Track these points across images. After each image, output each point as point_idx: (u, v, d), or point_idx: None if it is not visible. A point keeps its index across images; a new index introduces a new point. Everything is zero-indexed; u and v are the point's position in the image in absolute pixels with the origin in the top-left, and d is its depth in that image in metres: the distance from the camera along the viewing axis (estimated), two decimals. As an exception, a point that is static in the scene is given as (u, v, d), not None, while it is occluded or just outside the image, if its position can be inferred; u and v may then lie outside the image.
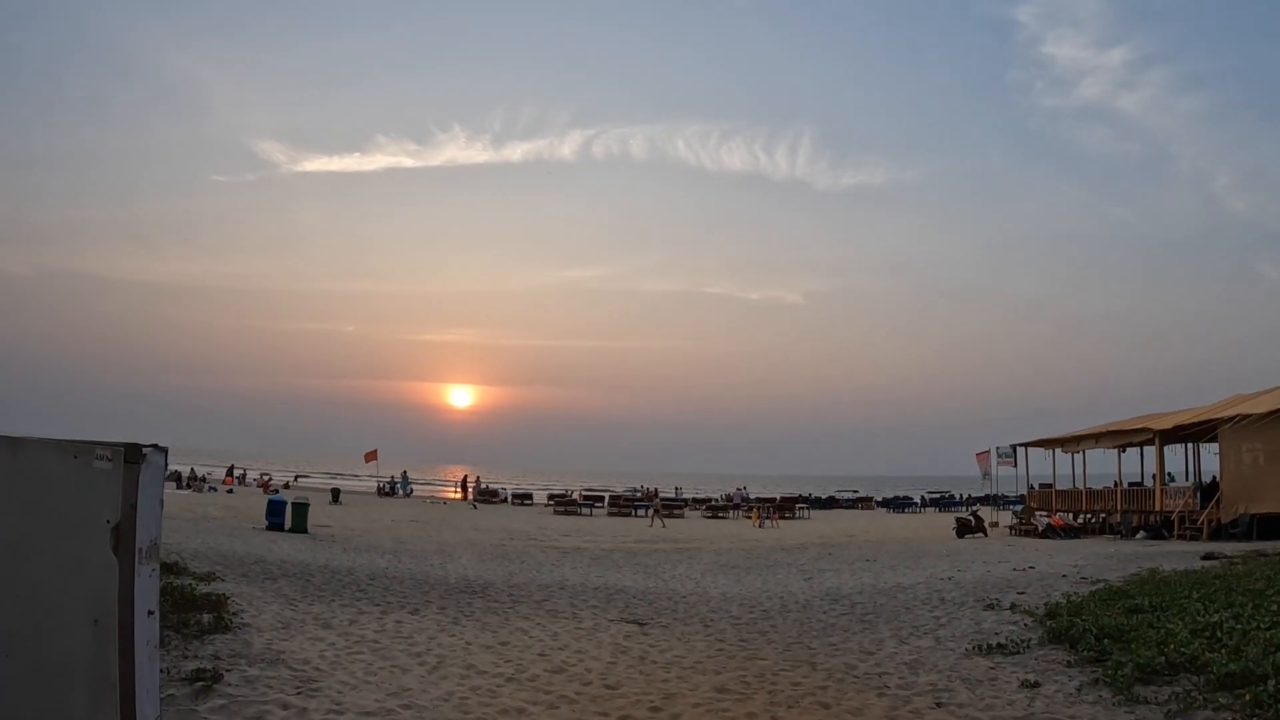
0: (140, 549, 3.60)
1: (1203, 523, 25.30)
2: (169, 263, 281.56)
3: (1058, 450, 34.74)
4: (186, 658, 7.89)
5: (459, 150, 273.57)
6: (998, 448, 38.51)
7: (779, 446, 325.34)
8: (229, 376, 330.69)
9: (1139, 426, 30.04)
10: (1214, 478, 27.39)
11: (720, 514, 49.13)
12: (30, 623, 3.65)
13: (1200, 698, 7.18)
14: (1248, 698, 6.91)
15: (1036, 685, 8.27)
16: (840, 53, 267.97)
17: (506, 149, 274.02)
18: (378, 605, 12.71)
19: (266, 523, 25.82)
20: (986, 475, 39.48)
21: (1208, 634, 8.97)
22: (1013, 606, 12.83)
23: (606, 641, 11.07)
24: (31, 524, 3.68)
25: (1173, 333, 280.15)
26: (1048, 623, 11.08)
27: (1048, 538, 28.14)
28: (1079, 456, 33.62)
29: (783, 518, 46.42)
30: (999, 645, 10.12)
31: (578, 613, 13.30)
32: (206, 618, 9.63)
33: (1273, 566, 14.56)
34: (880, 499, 62.91)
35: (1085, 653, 9.11)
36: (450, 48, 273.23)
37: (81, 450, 3.61)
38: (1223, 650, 8.24)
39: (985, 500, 48.69)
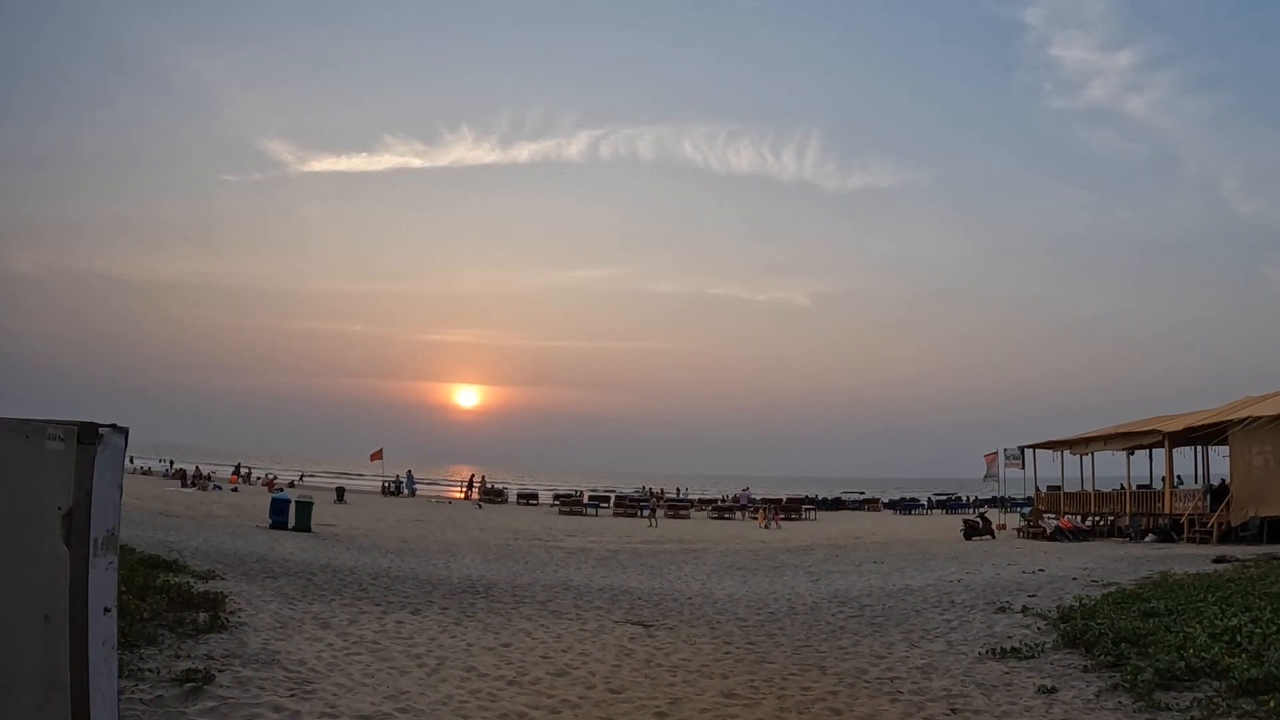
0: (96, 539, 3.27)
1: (1212, 526, 25.05)
2: (176, 262, 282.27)
3: (1066, 452, 34.46)
4: (179, 657, 7.66)
5: (466, 150, 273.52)
6: (1005, 449, 38.22)
7: (785, 447, 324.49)
8: (236, 375, 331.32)
9: (1148, 428, 29.75)
10: (1223, 480, 27.18)
11: (726, 515, 49.01)
12: (-33, 620, 3.33)
13: (1223, 704, 6.98)
14: (1271, 704, 6.75)
15: (1053, 691, 8.04)
16: (848, 54, 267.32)
17: (514, 149, 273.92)
18: (379, 605, 12.52)
19: (270, 521, 25.72)
20: (993, 476, 39.13)
21: (1227, 638, 8.75)
22: (1024, 610, 12.62)
23: (611, 644, 10.86)
24: (-28, 510, 3.34)
25: (1180, 335, 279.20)
26: (1061, 626, 10.89)
27: (1056, 540, 27.90)
28: (1087, 458, 33.35)
29: (789, 519, 46.25)
30: (1013, 649, 9.89)
31: (582, 614, 13.10)
32: (202, 616, 9.43)
33: (1289, 570, 14.32)
34: (886, 500, 62.58)
35: (1102, 657, 8.89)
36: (458, 48, 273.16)
37: (33, 430, 3.31)
38: (1243, 655, 8.03)
39: (992, 502, 48.41)
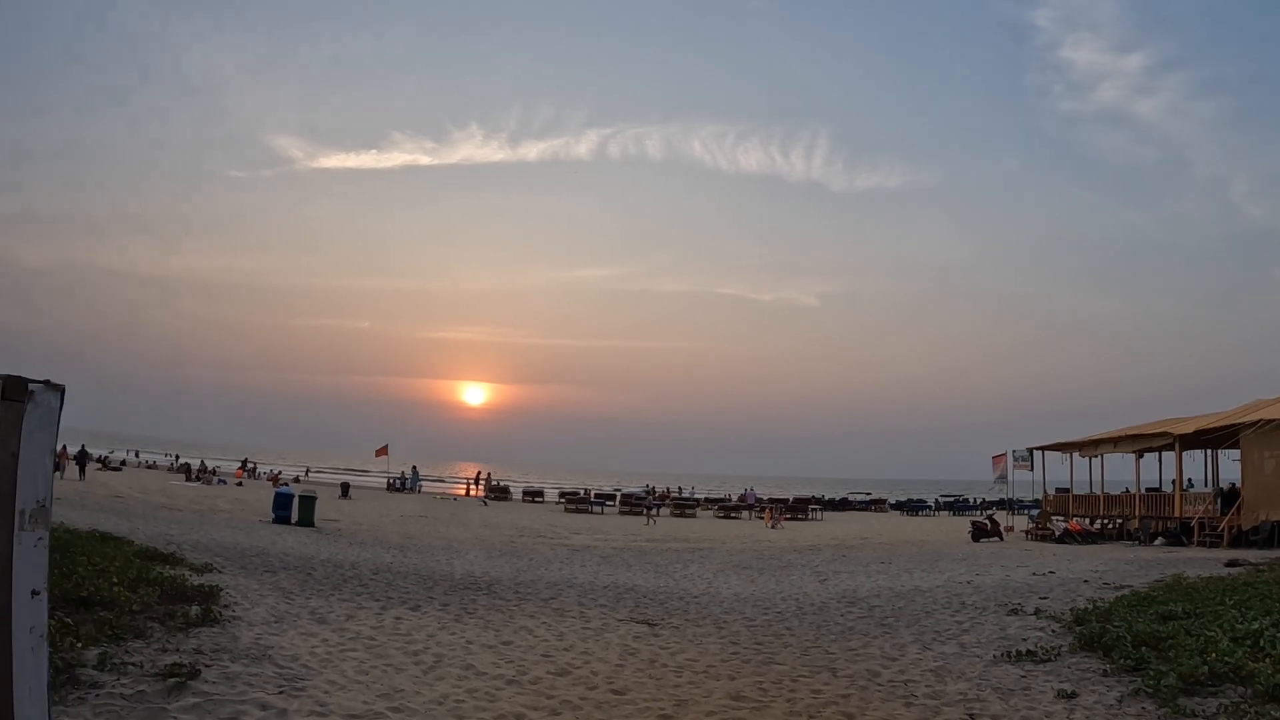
0: (22, 511, 2.83)
1: (1223, 529, 24.74)
2: (185, 257, 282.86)
3: (1075, 454, 34.14)
4: (166, 651, 7.39)
5: (475, 149, 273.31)
6: (1014, 451, 37.87)
7: (791, 448, 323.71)
8: (243, 371, 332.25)
9: (1159, 431, 29.41)
10: (1233, 484, 26.88)
11: (732, 514, 48.77)
12: None
13: (1250, 710, 6.71)
14: (1301, 711, 6.43)
15: (1073, 696, 7.74)
16: (857, 54, 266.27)
17: (522, 148, 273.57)
18: (378, 601, 12.28)
19: (273, 516, 25.59)
20: (1003, 479, 38.81)
21: (1249, 643, 8.46)
22: (1037, 612, 12.34)
23: (615, 643, 10.59)
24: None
25: (1189, 338, 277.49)
26: (1077, 629, 10.62)
27: (1065, 543, 27.61)
28: (1096, 461, 33.05)
29: (795, 519, 45.98)
30: (1028, 652, 9.60)
31: (585, 612, 12.84)
32: (195, 609, 9.18)
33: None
34: (893, 501, 62.25)
35: (1121, 661, 8.59)
36: (467, 47, 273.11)
37: (-48, 385, 2.80)
38: (1267, 660, 7.74)
39: (1000, 504, 48.11)
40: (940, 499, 64.19)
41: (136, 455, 79.17)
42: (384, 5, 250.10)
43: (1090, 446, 33.09)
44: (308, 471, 74.63)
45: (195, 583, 10.92)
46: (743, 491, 57.48)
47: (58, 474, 39.88)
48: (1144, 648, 8.83)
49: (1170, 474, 30.80)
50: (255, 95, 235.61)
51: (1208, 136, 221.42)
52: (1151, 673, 7.88)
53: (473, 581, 15.36)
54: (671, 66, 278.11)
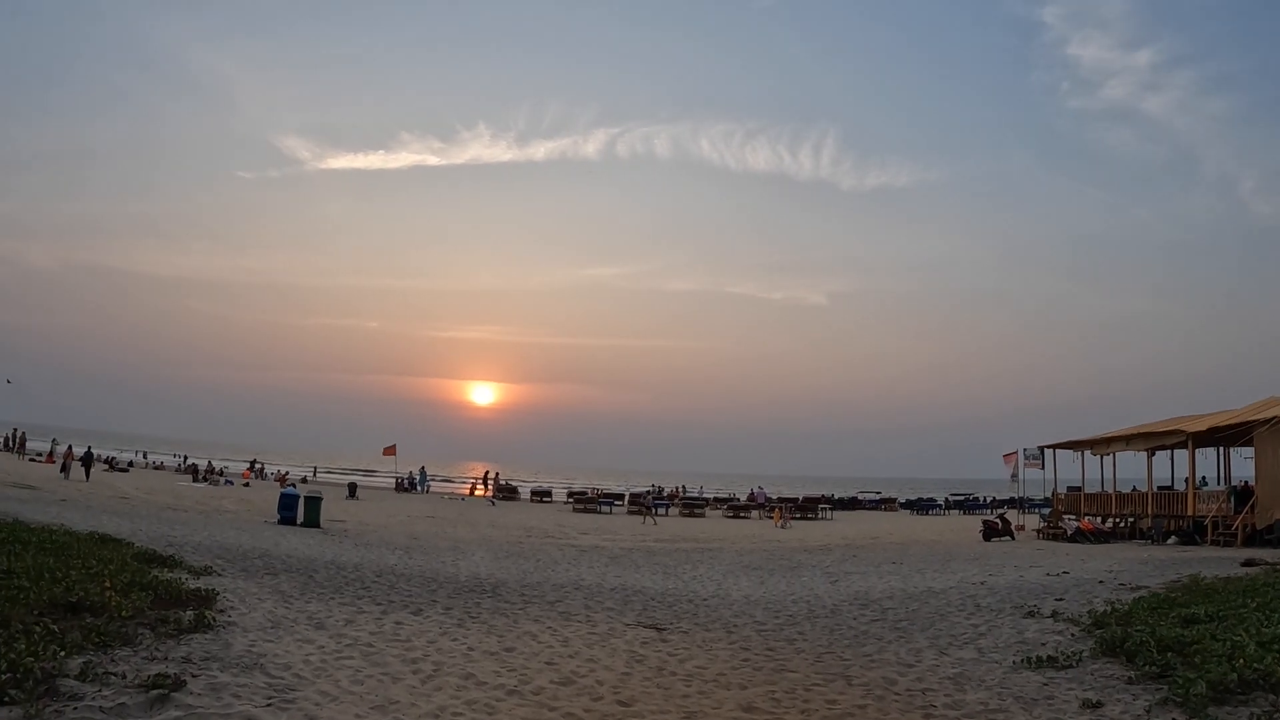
0: None
1: (1237, 528, 24.46)
2: (193, 257, 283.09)
3: (1086, 452, 33.80)
4: (153, 659, 7.10)
5: (483, 148, 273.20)
6: (1025, 449, 37.53)
7: (801, 447, 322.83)
8: (252, 371, 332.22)
9: (1171, 429, 29.05)
10: (1246, 482, 26.59)
11: (741, 514, 48.45)
12: None
13: (1284, 720, 6.37)
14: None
15: (1099, 705, 7.40)
16: (865, 53, 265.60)
17: (531, 147, 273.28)
18: (379, 604, 12.00)
19: (278, 517, 25.36)
20: (1015, 477, 38.46)
21: (1277, 647, 8.12)
22: (1054, 614, 12.03)
23: (621, 648, 10.29)
24: None
25: (1198, 335, 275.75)
26: (1096, 632, 10.31)
27: (1077, 542, 27.28)
28: (1108, 459, 32.70)
29: (805, 518, 45.67)
30: (1049, 658, 9.27)
31: (592, 615, 12.55)
32: (188, 615, 8.88)
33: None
34: (903, 501, 61.85)
35: (1146, 668, 8.26)
36: (475, 46, 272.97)
37: None
38: (1297, 666, 7.40)
39: (1011, 503, 47.73)
40: (950, 498, 63.78)
41: (144, 456, 79.17)
42: (392, 5, 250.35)
43: (1102, 444, 32.76)
44: (315, 472, 74.59)
45: (191, 586, 10.65)
46: (752, 491, 56.98)
47: (63, 475, 39.83)
48: (1169, 653, 8.51)
49: (1183, 472, 30.57)
50: (262, 96, 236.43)
51: (1216, 133, 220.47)
52: (1179, 680, 7.54)
53: (478, 584, 15.09)
54: (679, 65, 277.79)
